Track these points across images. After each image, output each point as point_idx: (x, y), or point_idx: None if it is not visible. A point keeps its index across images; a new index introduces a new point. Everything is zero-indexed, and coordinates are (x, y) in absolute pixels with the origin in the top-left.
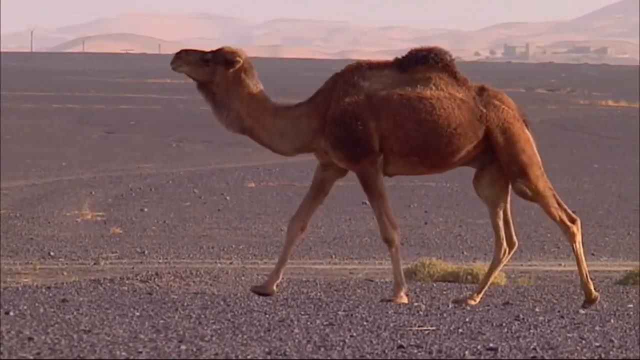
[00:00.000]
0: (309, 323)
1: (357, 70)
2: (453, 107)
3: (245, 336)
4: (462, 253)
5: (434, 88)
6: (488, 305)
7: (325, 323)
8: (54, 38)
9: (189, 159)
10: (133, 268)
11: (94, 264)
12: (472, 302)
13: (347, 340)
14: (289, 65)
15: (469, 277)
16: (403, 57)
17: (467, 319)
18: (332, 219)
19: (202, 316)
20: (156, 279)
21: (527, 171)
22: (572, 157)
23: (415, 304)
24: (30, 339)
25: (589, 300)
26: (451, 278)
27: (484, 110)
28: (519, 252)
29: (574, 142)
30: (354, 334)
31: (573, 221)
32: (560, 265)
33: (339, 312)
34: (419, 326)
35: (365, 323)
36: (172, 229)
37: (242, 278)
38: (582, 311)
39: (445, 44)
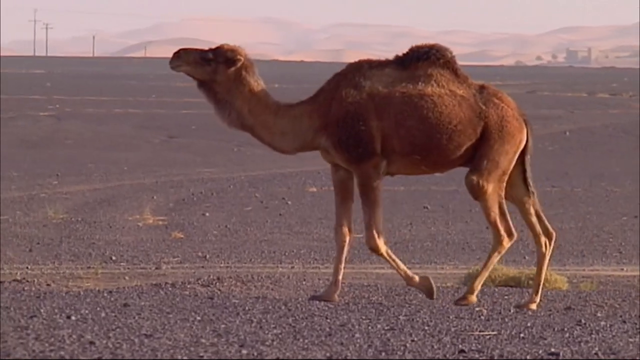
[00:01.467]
0: (370, 328)
1: (359, 70)
2: (454, 104)
3: (306, 341)
4: (524, 258)
5: (435, 85)
6: (550, 310)
7: (386, 327)
8: (115, 43)
9: (250, 164)
10: (194, 272)
11: (156, 268)
12: (533, 306)
13: (408, 345)
14: None
15: (531, 281)
16: (404, 55)
17: (528, 324)
18: (393, 223)
19: (264, 320)
20: (217, 284)
21: (491, 171)
22: (634, 161)
23: (477, 308)
24: (91, 343)
25: (462, 301)
26: (513, 283)
27: (484, 107)
28: (580, 256)
29: (636, 147)
30: (415, 339)
31: (509, 235)
32: (622, 270)
33: (400, 317)
34: (480, 331)
35: (426, 328)
36: (233, 233)
37: (304, 283)
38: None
39: (507, 48)
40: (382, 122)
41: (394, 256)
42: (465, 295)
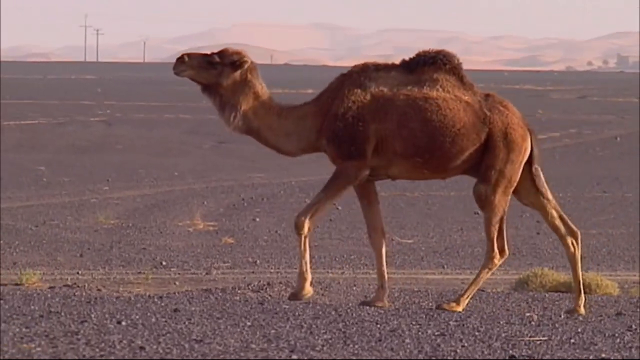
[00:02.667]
0: (420, 333)
1: (364, 72)
2: (458, 109)
3: (356, 346)
4: None
5: (440, 89)
6: (601, 316)
7: (436, 333)
8: (166, 48)
9: (301, 169)
10: (245, 278)
11: (206, 273)
12: (581, 310)
13: (458, 351)
14: None
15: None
16: (410, 59)
17: (579, 330)
18: (443, 229)
19: (314, 326)
20: (268, 289)
21: (498, 181)
22: None
23: (528, 314)
24: (142, 348)
25: (446, 306)
26: (563, 288)
27: (488, 114)
28: (631, 262)
29: None
30: (466, 344)
31: (501, 252)
32: None
33: (451, 322)
34: (530, 336)
35: (477, 333)
36: (283, 238)
37: (354, 288)
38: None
39: (558, 53)
40: (383, 125)
41: (307, 246)
42: (450, 304)
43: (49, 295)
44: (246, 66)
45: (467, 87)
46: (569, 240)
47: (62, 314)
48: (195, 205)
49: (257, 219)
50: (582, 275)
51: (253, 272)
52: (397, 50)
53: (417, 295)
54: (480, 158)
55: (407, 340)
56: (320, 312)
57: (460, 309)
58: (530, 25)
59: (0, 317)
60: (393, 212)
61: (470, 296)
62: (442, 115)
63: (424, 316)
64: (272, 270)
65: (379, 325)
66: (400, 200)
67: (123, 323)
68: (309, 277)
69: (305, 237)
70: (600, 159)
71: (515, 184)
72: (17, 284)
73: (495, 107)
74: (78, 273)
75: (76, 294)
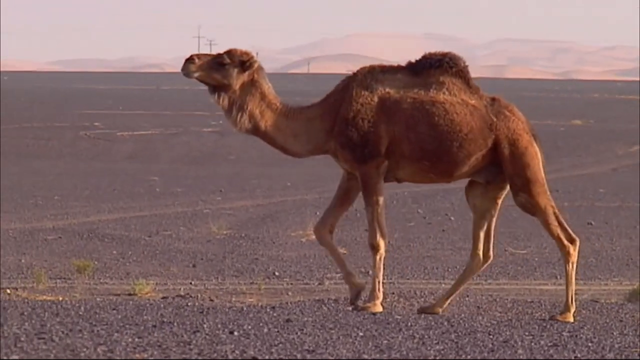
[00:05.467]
0: (533, 344)
1: (370, 74)
2: (465, 113)
3: (468, 357)
4: None
5: (447, 93)
6: None
7: (549, 344)
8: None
9: None
10: None
11: (319, 284)
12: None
13: None
14: (513, 85)
15: None
16: (417, 61)
17: None
18: None
19: (426, 336)
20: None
21: (529, 186)
22: None
23: None
24: (254, 358)
25: (559, 317)
26: None
27: (495, 119)
28: None
29: None
30: (579, 355)
31: (572, 241)
32: None
33: (564, 333)
34: None
35: (590, 344)
36: (396, 249)
37: (466, 299)
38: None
39: None
40: (392, 126)
41: (382, 265)
42: (563, 313)
43: (162, 305)
44: (255, 65)
45: (474, 91)
46: (478, 258)
47: (175, 324)
48: (308, 215)
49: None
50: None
51: (366, 283)
52: (510, 60)
53: (530, 306)
54: (487, 162)
55: (520, 351)
56: (433, 323)
57: (571, 317)
58: None
59: (114, 327)
60: (506, 222)
61: (572, 296)
62: (449, 119)
63: (537, 327)
64: (384, 281)
65: (491, 336)
66: (513, 211)
67: (235, 333)
68: (381, 295)
69: (382, 257)
70: None
71: (544, 179)
72: (130, 294)
73: (501, 112)
74: (191, 283)
75: (189, 304)
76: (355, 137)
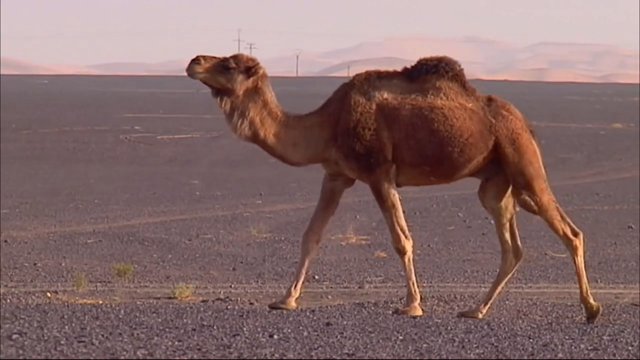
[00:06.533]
0: (573, 347)
1: (367, 80)
2: (465, 117)
3: None
4: None
5: (444, 98)
6: None
7: (589, 348)
8: (319, 62)
9: (454, 183)
10: (397, 292)
11: (359, 287)
12: (479, 315)
13: None
14: (554, 88)
15: None
16: (412, 67)
17: None
18: (597, 243)
19: (466, 340)
20: (420, 303)
21: (532, 184)
22: None
23: None
24: None
25: (591, 315)
26: None
27: (493, 121)
28: None
29: None
30: (619, 359)
31: (576, 235)
32: None
33: (604, 337)
34: None
35: (630, 348)
36: (436, 252)
37: (506, 302)
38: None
39: None
40: (393, 133)
41: (412, 266)
42: (585, 310)
43: (202, 308)
44: (260, 72)
45: (470, 93)
46: (510, 258)
47: (215, 327)
48: (348, 219)
49: (410, 233)
50: None
51: (405, 286)
52: (551, 63)
53: (570, 310)
54: (487, 162)
55: (560, 355)
56: (473, 327)
57: (594, 304)
58: None
59: (154, 330)
60: (546, 226)
61: (586, 285)
62: (449, 125)
63: (577, 330)
64: (424, 284)
65: (531, 340)
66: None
67: (275, 337)
68: (418, 297)
69: (410, 259)
70: None
71: (545, 176)
72: (170, 298)
73: (499, 112)
74: (231, 286)
75: (228, 307)
76: (358, 147)
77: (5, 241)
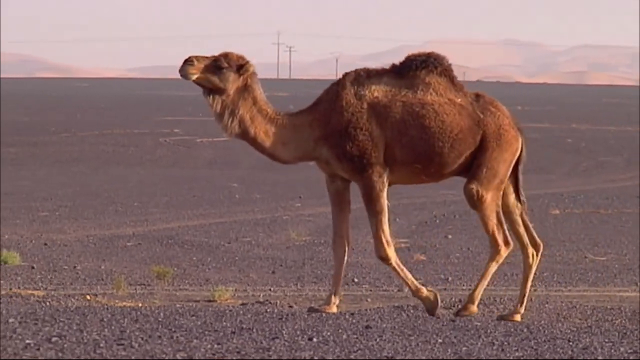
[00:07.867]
0: (612, 351)
1: (357, 80)
2: (455, 113)
3: None
4: None
5: (434, 93)
6: None
7: (629, 351)
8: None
9: None
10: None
11: (398, 290)
12: (517, 317)
13: None
14: (594, 91)
15: None
16: (401, 63)
17: None
18: (637, 245)
19: (505, 343)
20: (459, 306)
21: (489, 178)
22: None
23: None
24: None
25: (463, 311)
26: None
27: (482, 116)
28: None
29: None
30: None
31: (506, 244)
32: None
33: None
34: None
35: None
36: (475, 255)
37: (546, 305)
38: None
39: None
40: (385, 131)
41: (402, 266)
42: (466, 305)
43: (241, 311)
44: (250, 70)
45: (458, 89)
46: (530, 251)
47: (254, 330)
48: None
49: (449, 236)
50: None
51: (445, 289)
52: (590, 66)
53: (610, 313)
54: (473, 158)
55: (600, 358)
56: (512, 330)
57: (475, 308)
58: None
59: (193, 333)
60: (586, 229)
61: (481, 292)
62: (440, 121)
63: (617, 334)
64: (463, 288)
65: (571, 343)
66: (593, 217)
67: (314, 340)
68: (425, 291)
69: (396, 263)
70: None
71: (505, 183)
72: (209, 301)
73: (487, 108)
74: (270, 289)
75: (268, 310)
76: (350, 147)
77: (45, 244)
